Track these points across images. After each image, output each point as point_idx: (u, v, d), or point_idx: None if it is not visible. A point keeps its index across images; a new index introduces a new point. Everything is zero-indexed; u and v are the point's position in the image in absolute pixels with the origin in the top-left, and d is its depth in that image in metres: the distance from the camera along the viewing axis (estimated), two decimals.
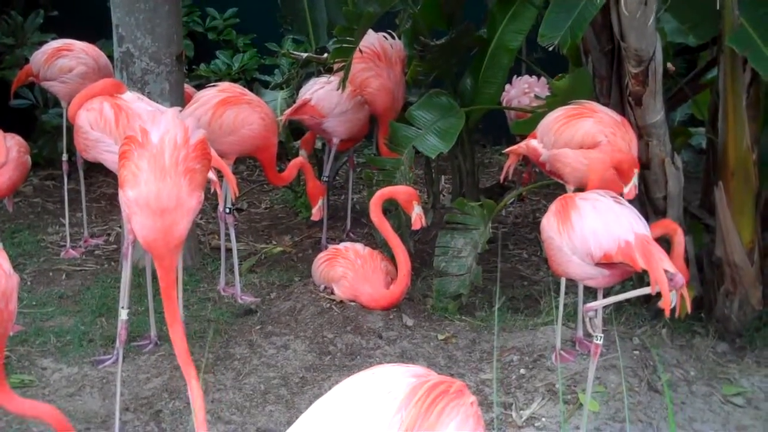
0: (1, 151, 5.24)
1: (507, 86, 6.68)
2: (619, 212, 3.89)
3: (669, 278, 3.59)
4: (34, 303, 5.39)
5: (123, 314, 4.09)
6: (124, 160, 3.64)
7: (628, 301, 4.62)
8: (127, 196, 3.56)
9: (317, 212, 5.91)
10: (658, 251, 3.71)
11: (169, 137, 3.56)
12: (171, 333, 3.50)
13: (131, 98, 4.84)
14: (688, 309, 3.65)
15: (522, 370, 4.57)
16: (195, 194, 3.60)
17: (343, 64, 5.58)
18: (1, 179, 5.41)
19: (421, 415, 2.12)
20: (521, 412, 4.25)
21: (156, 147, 3.55)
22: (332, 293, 5.36)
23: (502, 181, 6.00)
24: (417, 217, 5.18)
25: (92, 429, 4.17)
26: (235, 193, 4.80)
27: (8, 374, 4.50)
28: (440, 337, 5.00)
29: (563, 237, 3.92)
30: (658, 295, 3.63)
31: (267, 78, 8.00)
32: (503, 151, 5.78)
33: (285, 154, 6.68)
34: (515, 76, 6.89)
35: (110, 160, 4.71)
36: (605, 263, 3.82)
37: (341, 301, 5.29)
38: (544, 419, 4.18)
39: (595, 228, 3.83)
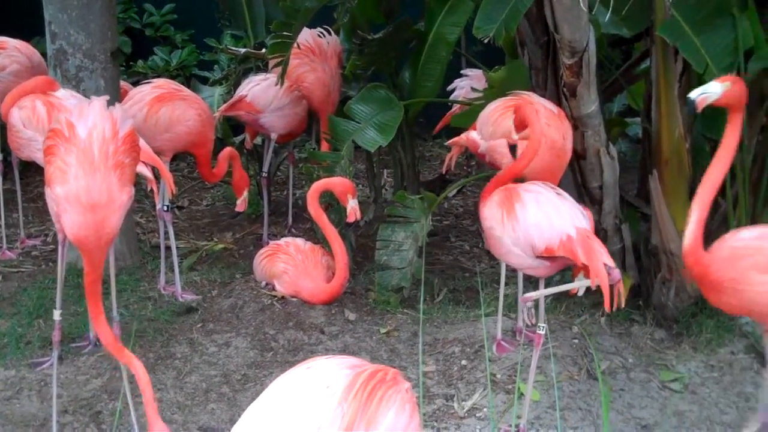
0: None
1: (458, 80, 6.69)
2: (560, 206, 3.92)
3: (608, 272, 3.64)
4: None
5: (56, 315, 4.03)
6: (50, 156, 3.54)
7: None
8: (55, 192, 3.49)
9: (242, 203, 5.90)
10: (599, 245, 3.75)
11: (98, 131, 3.49)
12: (96, 326, 3.52)
13: (65, 96, 4.77)
14: (622, 303, 3.69)
15: (463, 362, 4.60)
16: (126, 189, 3.55)
17: (280, 59, 5.55)
18: None
19: (362, 406, 2.14)
20: (463, 403, 4.28)
21: (84, 141, 3.47)
22: (274, 289, 5.35)
23: (444, 172, 6.02)
24: (351, 210, 5.18)
25: None
26: (173, 191, 4.75)
27: None
28: (382, 330, 5.01)
29: (506, 228, 3.94)
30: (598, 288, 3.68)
31: (206, 74, 7.93)
32: (446, 143, 5.80)
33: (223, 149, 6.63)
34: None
35: (41, 158, 4.62)
36: (546, 256, 3.86)
37: (283, 297, 5.27)
38: (485, 409, 4.21)
39: (538, 221, 3.86)
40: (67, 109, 4.61)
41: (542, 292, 3.94)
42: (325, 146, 5.96)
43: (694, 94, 3.47)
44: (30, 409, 4.31)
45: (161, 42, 8.47)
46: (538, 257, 3.88)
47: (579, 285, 3.90)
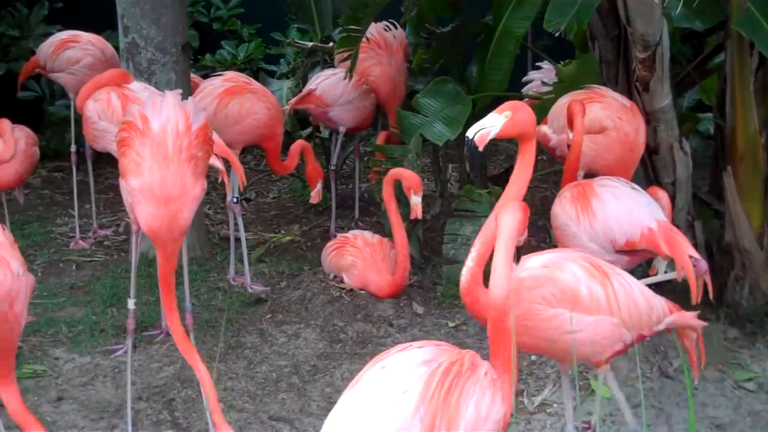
0: (9, 144, 5.25)
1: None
2: (638, 199, 3.89)
3: (693, 264, 3.60)
4: (45, 294, 5.40)
5: (131, 304, 4.10)
6: (124, 148, 3.56)
7: None
8: (130, 184, 3.53)
9: (315, 195, 5.92)
10: (682, 237, 3.72)
11: (171, 125, 3.52)
12: (169, 321, 3.55)
13: (138, 88, 4.85)
14: (711, 295, 3.65)
15: (532, 357, 4.58)
16: (198, 182, 3.58)
17: (348, 53, 5.58)
18: (9, 171, 5.43)
19: (440, 408, 2.13)
20: (533, 398, 4.26)
21: (158, 134, 3.50)
22: (342, 282, 5.38)
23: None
24: (414, 206, 5.18)
25: (105, 418, 4.20)
26: (243, 183, 4.80)
27: (21, 364, 4.54)
28: (450, 324, 5.01)
29: (582, 224, 3.91)
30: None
31: (272, 67, 7.99)
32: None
33: (291, 143, 6.68)
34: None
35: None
36: (625, 250, 3.82)
37: (351, 290, 5.30)
38: (555, 405, 4.19)
39: (618, 215, 3.83)
40: (141, 102, 4.67)
41: None
42: (381, 138, 5.99)
43: (471, 132, 3.04)
44: (105, 395, 4.40)
45: (228, 36, 8.54)
46: (617, 252, 3.85)
47: (665, 278, 3.87)
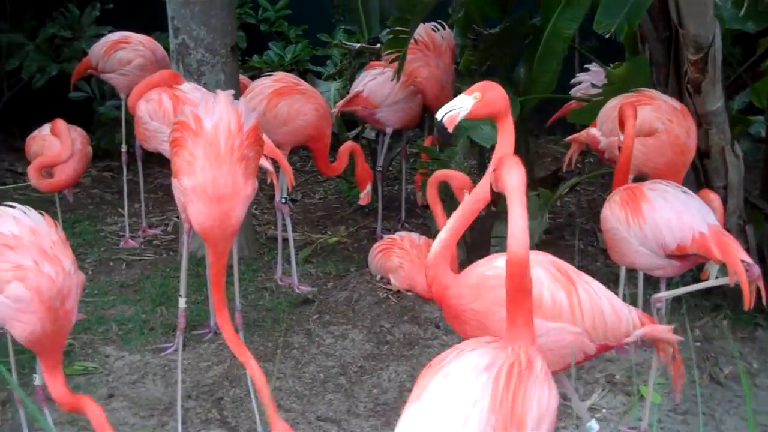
0: (67, 144, 5.33)
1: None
2: (689, 203, 3.85)
3: (746, 269, 3.56)
4: (95, 292, 5.47)
5: (181, 303, 4.14)
6: (177, 148, 3.60)
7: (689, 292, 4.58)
8: (183, 184, 3.56)
9: (365, 197, 5.92)
10: (734, 242, 3.68)
11: (223, 124, 3.55)
12: (219, 320, 3.57)
13: (189, 89, 4.90)
14: (765, 299, 3.59)
15: None
16: (250, 181, 3.61)
17: (395, 54, 5.58)
18: (68, 170, 5.51)
19: (509, 414, 2.14)
20: (581, 403, 4.23)
21: (210, 134, 3.54)
22: (389, 283, 5.39)
23: (564, 170, 5.97)
24: None
25: (156, 416, 4.24)
26: (292, 184, 4.83)
27: (72, 361, 4.61)
28: None
29: (632, 228, 3.89)
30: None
31: (319, 69, 8.02)
32: (565, 140, 5.75)
33: (338, 144, 6.71)
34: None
35: (168, 150, 4.77)
36: (676, 254, 3.78)
37: (398, 291, 5.31)
38: (604, 410, 4.16)
39: (669, 219, 3.80)
40: (192, 102, 4.72)
41: (674, 292, 3.87)
42: (429, 141, 5.99)
43: (440, 114, 2.95)
44: (155, 393, 4.45)
45: (275, 37, 8.60)
46: (668, 256, 3.82)
47: (717, 283, 3.83)
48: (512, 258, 2.47)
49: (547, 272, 2.99)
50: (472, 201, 3.08)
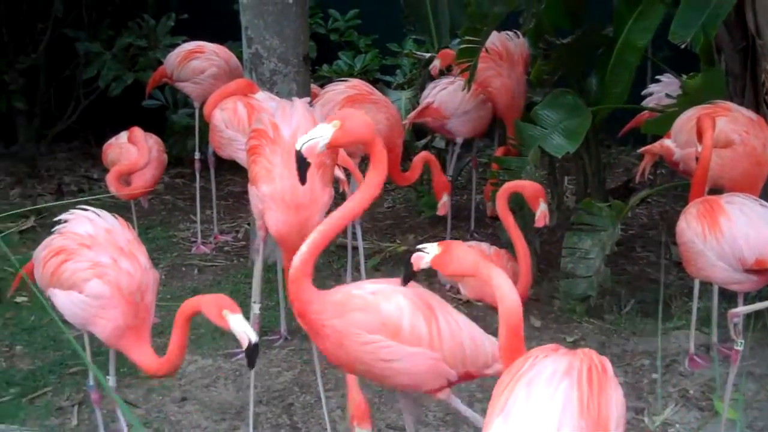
0: (144, 151, 5.43)
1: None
2: (767, 216, 3.79)
3: None
4: (168, 296, 5.56)
5: (255, 308, 4.18)
6: (255, 156, 3.65)
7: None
8: (261, 191, 3.61)
9: (442, 207, 5.88)
10: None
11: (301, 132, 3.56)
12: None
13: (263, 98, 4.95)
14: None
15: (654, 375, 4.49)
16: (327, 189, 3.65)
17: (466, 64, 5.58)
18: (145, 176, 5.61)
19: (596, 419, 2.15)
20: (654, 417, 4.18)
21: (288, 142, 3.58)
22: (458, 293, 5.37)
23: (637, 181, 5.92)
24: (541, 214, 5.08)
25: (227, 420, 4.30)
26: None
27: None
28: (568, 339, 4.95)
29: (709, 241, 3.83)
30: None
31: (388, 78, 8.06)
32: (638, 151, 5.70)
33: (408, 154, 6.73)
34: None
35: (244, 158, 4.82)
36: (755, 269, 3.72)
37: (468, 301, 5.29)
38: (678, 425, 4.10)
39: (747, 233, 3.74)
40: (267, 111, 4.79)
41: (752, 307, 3.80)
42: (500, 152, 5.97)
43: (299, 144, 2.83)
44: (226, 397, 4.51)
45: (345, 47, 8.66)
46: (746, 271, 3.75)
47: None
48: (510, 314, 2.70)
49: (409, 302, 2.94)
50: (339, 216, 2.98)
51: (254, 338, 3.06)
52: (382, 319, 2.89)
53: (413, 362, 2.92)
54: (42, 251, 3.52)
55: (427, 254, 2.82)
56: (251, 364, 3.13)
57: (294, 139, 3.58)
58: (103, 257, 3.34)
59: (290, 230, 3.59)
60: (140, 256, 3.39)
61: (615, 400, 2.23)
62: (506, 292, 2.71)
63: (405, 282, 2.92)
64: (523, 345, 2.69)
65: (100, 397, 3.79)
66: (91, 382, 3.78)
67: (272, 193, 3.58)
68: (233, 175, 7.81)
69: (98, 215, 3.48)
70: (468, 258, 2.84)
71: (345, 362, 2.99)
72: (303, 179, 2.82)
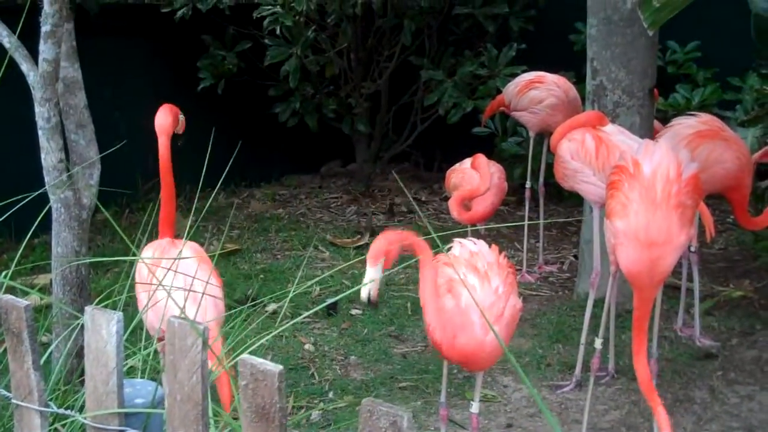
0: (486, 178, 5.57)
1: None
2: None
3: None
4: None
5: (597, 343, 4.14)
6: (613, 191, 3.66)
7: None
8: (615, 226, 3.58)
9: None
10: None
11: (662, 170, 3.52)
12: (636, 362, 3.53)
13: (612, 131, 4.88)
14: None
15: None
16: (685, 230, 3.53)
17: None
18: (485, 203, 5.74)
19: None
20: None
21: (647, 179, 3.53)
22: None
23: None
24: None
25: None
26: (712, 234, 4.65)
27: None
28: None
29: None
30: None
31: (727, 114, 7.66)
32: None
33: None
34: None
35: (586, 190, 4.82)
36: None
37: None
38: None
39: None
40: (614, 145, 4.73)
41: None
42: None
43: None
44: (551, 429, 4.48)
45: (683, 79, 8.37)
46: None
47: None
48: None
49: None
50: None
51: (364, 296, 3.25)
52: None
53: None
54: None
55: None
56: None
57: (654, 176, 3.52)
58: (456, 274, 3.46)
59: (641, 268, 3.52)
60: (494, 279, 3.46)
61: None
62: None
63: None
64: None
65: (447, 414, 3.90)
66: (443, 399, 3.86)
67: (626, 229, 3.53)
68: (556, 205, 7.80)
69: (473, 242, 3.62)
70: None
71: None
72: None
